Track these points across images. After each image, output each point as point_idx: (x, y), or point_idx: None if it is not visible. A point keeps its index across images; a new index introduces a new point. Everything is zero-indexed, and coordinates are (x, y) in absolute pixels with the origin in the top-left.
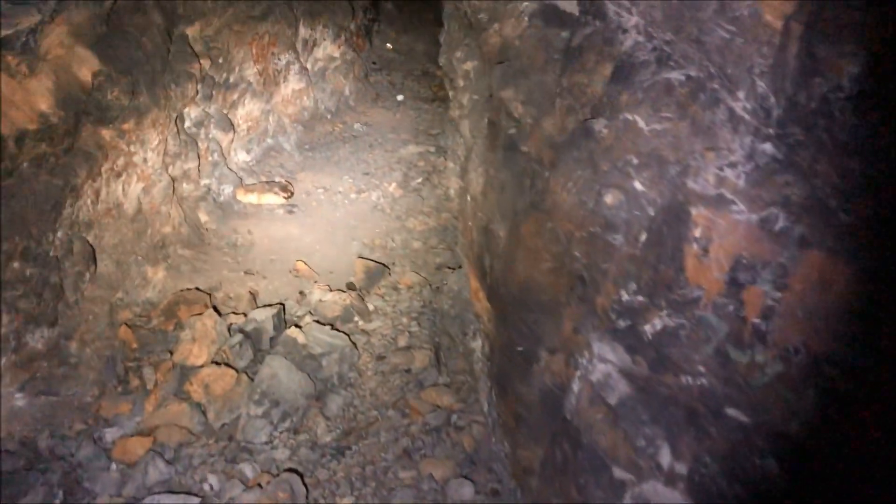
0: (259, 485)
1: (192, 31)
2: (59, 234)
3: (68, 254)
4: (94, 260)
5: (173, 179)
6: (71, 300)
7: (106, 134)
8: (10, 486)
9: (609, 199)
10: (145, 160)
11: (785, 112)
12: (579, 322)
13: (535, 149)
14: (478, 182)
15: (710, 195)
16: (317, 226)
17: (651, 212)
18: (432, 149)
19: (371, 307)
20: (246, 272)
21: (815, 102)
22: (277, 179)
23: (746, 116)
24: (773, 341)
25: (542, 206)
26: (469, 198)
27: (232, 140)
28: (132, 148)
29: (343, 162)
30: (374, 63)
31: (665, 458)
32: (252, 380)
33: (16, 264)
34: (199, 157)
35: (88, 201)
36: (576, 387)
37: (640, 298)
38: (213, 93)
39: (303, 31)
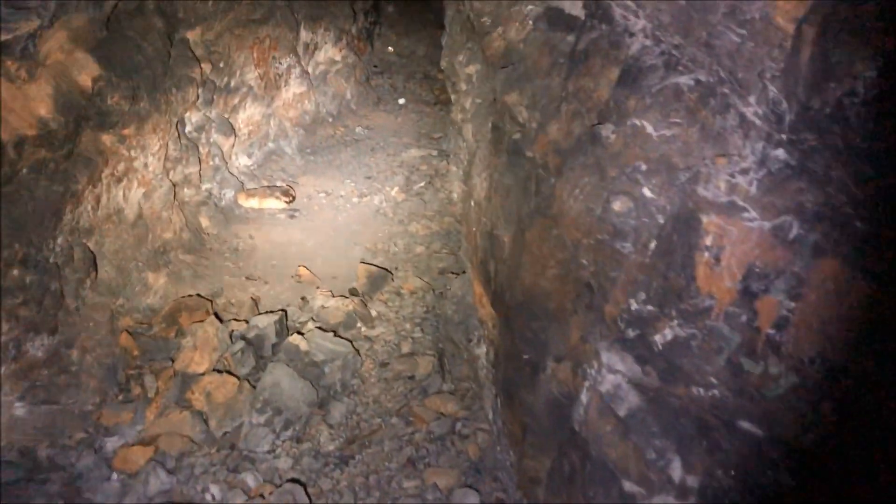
0: (261, 495)
1: (192, 36)
2: (60, 240)
3: (69, 260)
4: (95, 266)
5: (174, 184)
6: (71, 307)
7: (106, 139)
8: (9, 498)
9: (617, 205)
10: (146, 165)
11: (798, 117)
12: (587, 331)
13: (540, 154)
14: (482, 187)
15: (721, 202)
16: (319, 230)
17: (660, 219)
18: (434, 152)
19: (374, 313)
20: (247, 277)
21: (830, 107)
22: (279, 184)
23: (758, 122)
24: (787, 352)
25: (548, 212)
26: (473, 202)
27: (233, 144)
28: (133, 153)
29: (345, 166)
30: (375, 66)
31: (676, 471)
32: (254, 387)
33: (15, 271)
34: (200, 162)
35: (89, 207)
36: (584, 397)
37: (650, 307)
38: (214, 97)
39: (304, 35)
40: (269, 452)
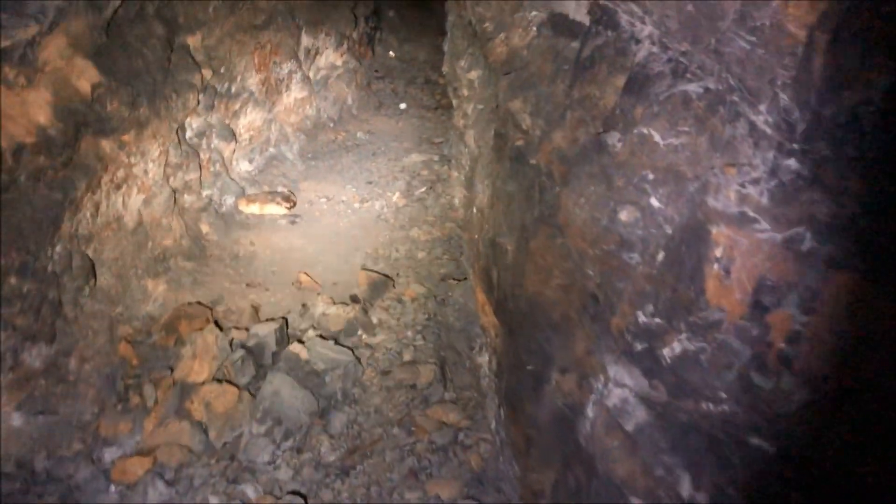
0: None
1: (193, 41)
2: (58, 248)
3: (67, 268)
4: (94, 274)
5: (174, 191)
6: (70, 316)
7: (106, 146)
8: None
9: (624, 215)
10: (146, 172)
11: (810, 126)
12: (593, 343)
13: (544, 161)
14: (484, 194)
15: (731, 213)
16: (320, 236)
17: (668, 230)
18: (436, 157)
19: (375, 320)
20: (248, 284)
21: (843, 116)
22: (280, 189)
23: (769, 130)
24: (800, 367)
25: (553, 220)
26: (475, 209)
27: (234, 150)
28: (132, 159)
29: (346, 171)
30: (376, 71)
31: (685, 488)
32: (254, 397)
33: (13, 280)
34: (200, 168)
35: (88, 214)
36: (590, 412)
37: (658, 320)
38: (215, 102)
39: (305, 40)
40: (269, 463)
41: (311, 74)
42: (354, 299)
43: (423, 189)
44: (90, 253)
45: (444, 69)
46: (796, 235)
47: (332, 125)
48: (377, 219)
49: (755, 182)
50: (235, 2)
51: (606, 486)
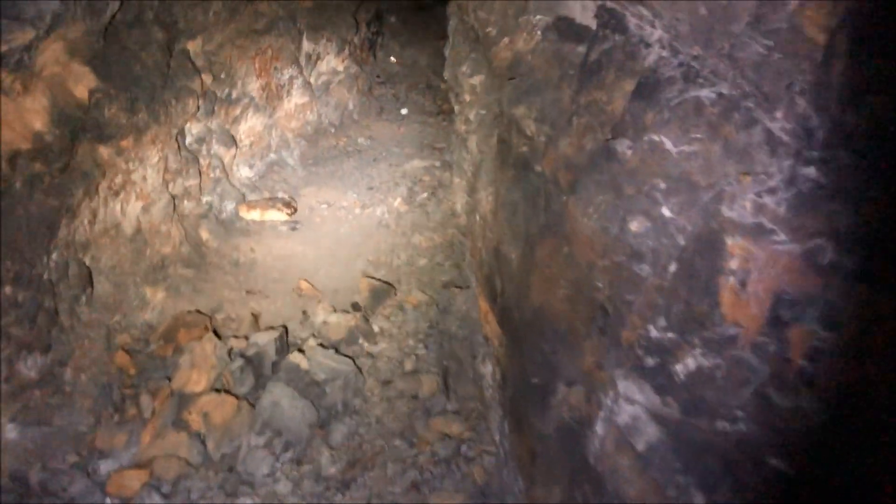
0: None
1: (193, 46)
2: (54, 256)
3: (63, 277)
4: (91, 282)
5: (174, 197)
6: (66, 325)
7: (104, 152)
8: None
9: (634, 225)
10: (144, 178)
11: (829, 133)
12: (602, 356)
13: (550, 169)
14: (487, 201)
15: (747, 224)
16: (321, 242)
17: (681, 240)
18: (437, 163)
19: (376, 328)
20: (248, 292)
21: (865, 123)
22: (280, 195)
23: (786, 138)
24: (820, 385)
25: (559, 229)
26: (478, 217)
27: (234, 156)
28: (131, 166)
29: (347, 177)
30: (378, 76)
31: None
32: (253, 407)
33: (8, 289)
34: (200, 174)
35: (85, 221)
36: (599, 428)
37: (671, 335)
38: (215, 108)
39: (306, 45)
40: (268, 476)
41: (312, 80)
42: (356, 307)
43: (424, 195)
44: (87, 260)
45: (446, 74)
46: (816, 247)
47: (333, 130)
48: (378, 225)
49: (772, 191)
50: (236, 7)
51: None
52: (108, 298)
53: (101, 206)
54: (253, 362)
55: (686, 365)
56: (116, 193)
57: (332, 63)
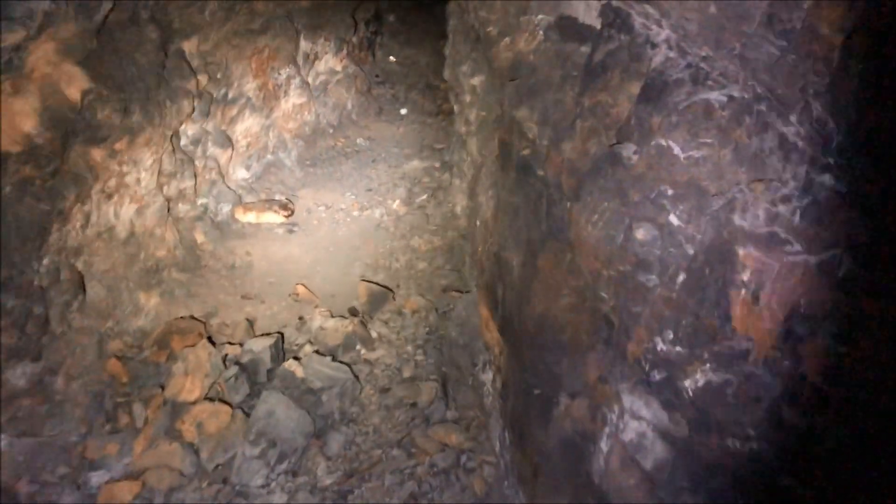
0: None
1: (188, 46)
2: (45, 261)
3: (55, 282)
4: (83, 287)
5: (168, 200)
6: (57, 332)
7: (96, 154)
8: None
9: (640, 234)
10: (138, 181)
11: (847, 138)
12: (606, 369)
13: (552, 173)
14: (488, 205)
15: (760, 233)
16: (318, 245)
17: (690, 250)
18: (437, 164)
19: (374, 334)
20: (243, 296)
21: (886, 128)
22: (277, 197)
23: (800, 143)
24: (836, 404)
25: (562, 236)
26: (478, 221)
27: (230, 157)
28: (124, 168)
29: (345, 178)
30: (376, 76)
31: None
32: (248, 416)
33: None
34: (195, 176)
35: (77, 225)
36: (604, 445)
37: (679, 349)
38: (211, 109)
39: (304, 45)
40: (262, 487)
41: (309, 80)
42: (353, 312)
43: (423, 197)
44: (79, 265)
45: (446, 74)
46: (833, 259)
47: (331, 131)
48: (377, 227)
49: (786, 199)
50: (232, 6)
51: None
52: (101, 304)
53: (93, 209)
54: (248, 370)
55: (695, 380)
56: (110, 196)
57: (330, 63)
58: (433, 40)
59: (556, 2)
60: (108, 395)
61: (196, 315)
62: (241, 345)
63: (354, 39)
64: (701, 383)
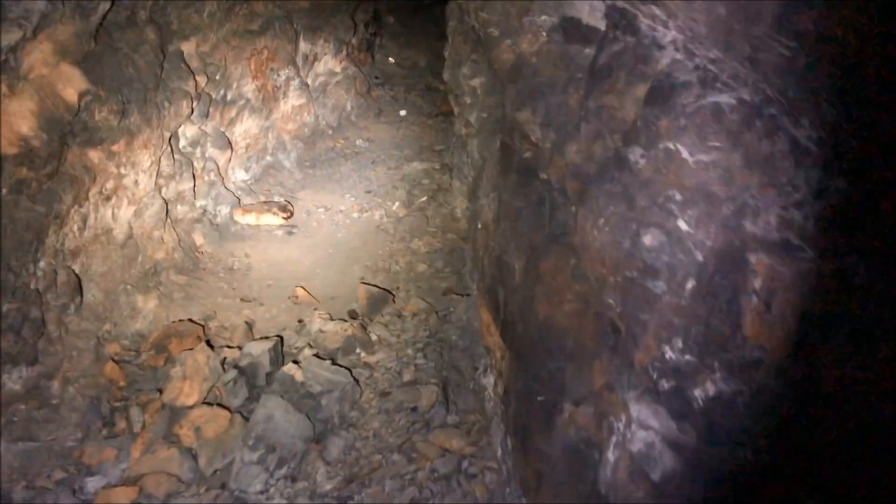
0: None
1: (187, 47)
2: (42, 264)
3: (51, 285)
4: (80, 290)
5: (166, 202)
6: (53, 335)
7: (94, 156)
8: None
9: (648, 239)
10: (136, 182)
11: (860, 143)
12: (613, 377)
13: (556, 177)
14: (489, 208)
15: (772, 239)
16: (317, 247)
17: (699, 256)
18: (437, 166)
19: (374, 337)
20: (242, 299)
21: None
22: (277, 199)
23: (813, 147)
24: (851, 415)
25: (565, 240)
26: (479, 224)
27: (229, 158)
28: (122, 170)
29: (345, 180)
30: (376, 77)
31: None
32: (247, 421)
33: None
34: (194, 178)
35: (74, 227)
36: (611, 455)
37: (688, 357)
38: (210, 110)
39: (303, 46)
40: (261, 493)
41: (309, 81)
42: (353, 315)
43: (423, 198)
44: (77, 268)
45: (446, 76)
46: (847, 266)
47: (330, 133)
48: (377, 229)
49: (798, 205)
50: (231, 7)
51: None
52: (98, 307)
53: (91, 211)
54: (246, 373)
55: (705, 390)
56: (107, 199)
57: (329, 64)
58: (433, 42)
59: (560, 3)
60: (105, 400)
61: (194, 318)
62: (239, 348)
63: (354, 41)
64: (711, 393)
